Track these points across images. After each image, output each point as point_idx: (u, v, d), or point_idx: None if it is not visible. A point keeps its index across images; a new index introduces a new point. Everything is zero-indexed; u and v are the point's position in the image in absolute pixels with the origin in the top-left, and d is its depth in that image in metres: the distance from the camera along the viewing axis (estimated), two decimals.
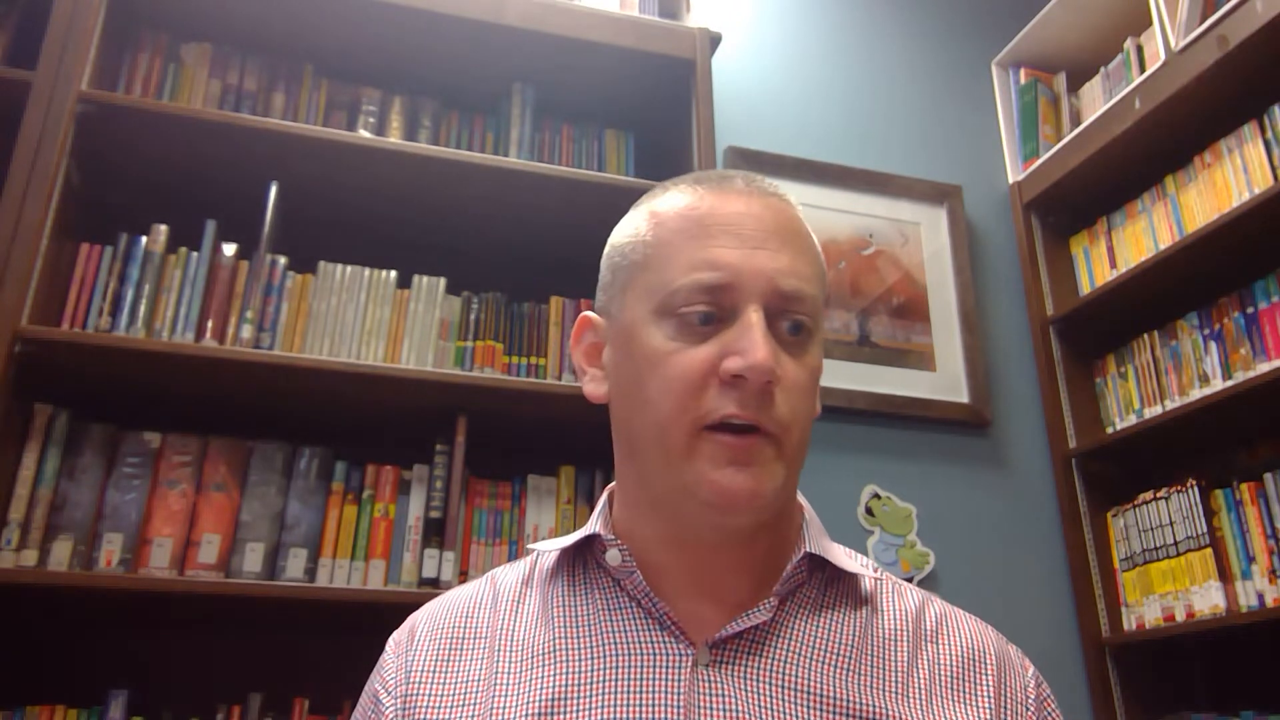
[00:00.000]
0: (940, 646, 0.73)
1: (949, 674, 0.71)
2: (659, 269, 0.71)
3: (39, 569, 1.43)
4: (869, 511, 2.12)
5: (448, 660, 0.73)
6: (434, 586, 1.54)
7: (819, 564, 0.75)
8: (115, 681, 1.48)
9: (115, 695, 1.45)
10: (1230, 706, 1.98)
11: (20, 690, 1.46)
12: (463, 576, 1.59)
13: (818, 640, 0.70)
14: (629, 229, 0.77)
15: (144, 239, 1.63)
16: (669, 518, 0.71)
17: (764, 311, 0.68)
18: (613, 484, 0.79)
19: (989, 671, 0.72)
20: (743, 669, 0.68)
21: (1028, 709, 0.72)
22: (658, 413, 0.68)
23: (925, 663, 0.72)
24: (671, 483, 0.69)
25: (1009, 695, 0.72)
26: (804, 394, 0.70)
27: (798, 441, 0.70)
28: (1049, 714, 0.73)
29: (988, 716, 0.69)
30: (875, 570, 0.78)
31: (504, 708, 0.68)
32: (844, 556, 0.77)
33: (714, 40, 2.00)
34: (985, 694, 0.71)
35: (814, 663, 0.69)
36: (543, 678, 0.68)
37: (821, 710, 0.66)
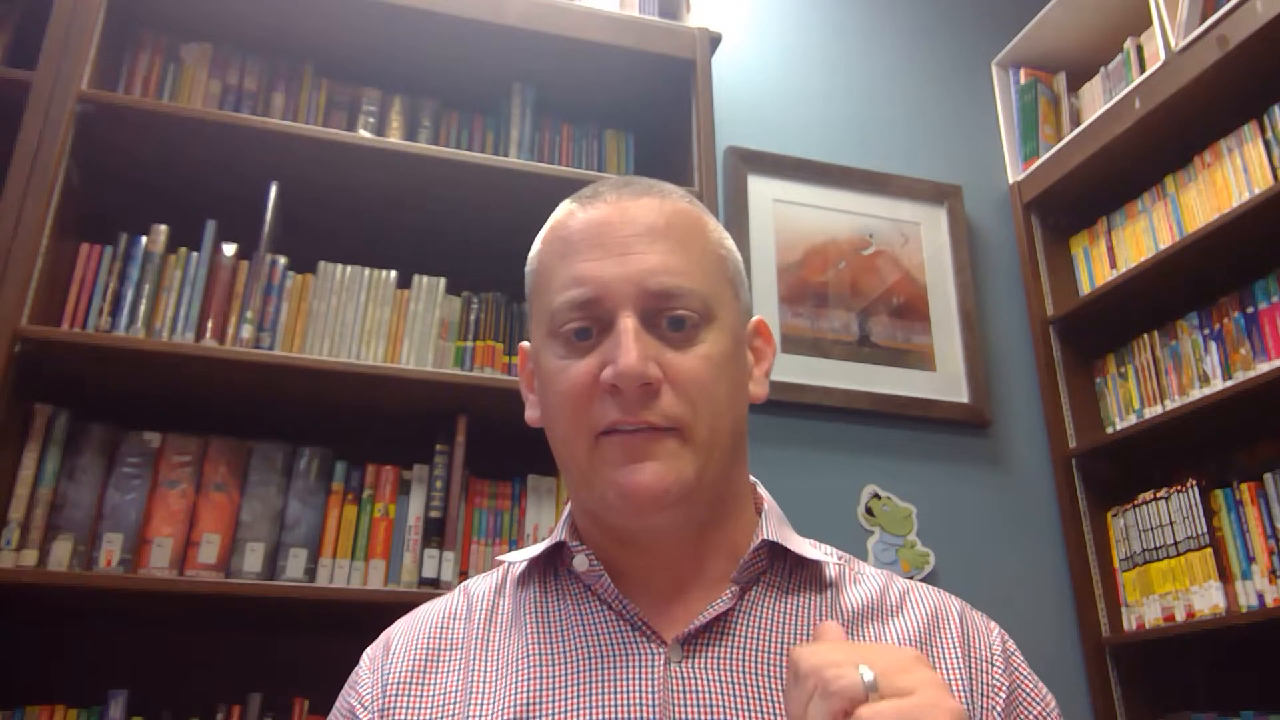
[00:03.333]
0: (905, 618, 0.74)
1: (915, 642, 0.73)
2: (543, 293, 0.74)
3: (39, 569, 1.43)
4: (869, 511, 2.12)
5: (424, 672, 0.73)
6: (434, 586, 1.55)
7: (780, 553, 0.76)
8: (115, 681, 1.48)
9: (115, 695, 1.45)
10: (1230, 706, 1.98)
11: (20, 690, 1.46)
12: (462, 576, 1.59)
13: (784, 624, 0.72)
14: (529, 256, 0.80)
15: (144, 239, 1.63)
16: (609, 522, 0.73)
17: (639, 315, 0.69)
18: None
19: (953, 632, 0.74)
20: (715, 660, 0.69)
21: (994, 664, 0.73)
22: (560, 429, 0.71)
23: (892, 637, 0.73)
24: (590, 493, 0.71)
25: (974, 654, 0.73)
26: (705, 384, 0.69)
27: (709, 433, 0.69)
28: (1016, 668, 0.74)
29: (958, 678, 0.71)
30: (839, 557, 0.80)
31: (480, 717, 0.68)
32: (806, 546, 0.78)
33: (714, 40, 2.00)
34: (952, 654, 0.72)
35: (783, 646, 0.70)
36: (518, 684, 0.69)
37: None
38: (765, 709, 0.66)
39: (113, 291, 1.59)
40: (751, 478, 0.81)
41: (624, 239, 0.71)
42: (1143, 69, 2.25)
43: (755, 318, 0.80)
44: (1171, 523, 2.02)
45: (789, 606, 0.73)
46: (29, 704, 1.43)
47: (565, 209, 0.78)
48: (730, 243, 0.79)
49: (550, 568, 0.78)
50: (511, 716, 0.67)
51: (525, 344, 0.81)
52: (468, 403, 1.66)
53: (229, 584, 1.50)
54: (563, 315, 0.70)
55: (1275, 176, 1.91)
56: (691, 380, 0.69)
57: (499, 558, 0.83)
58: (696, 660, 0.69)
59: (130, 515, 1.51)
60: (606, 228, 0.72)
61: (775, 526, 0.76)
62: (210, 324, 1.61)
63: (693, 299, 0.70)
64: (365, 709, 0.73)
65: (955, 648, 0.73)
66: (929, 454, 2.22)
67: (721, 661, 0.69)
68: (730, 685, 0.67)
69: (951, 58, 2.65)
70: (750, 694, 0.67)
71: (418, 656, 0.74)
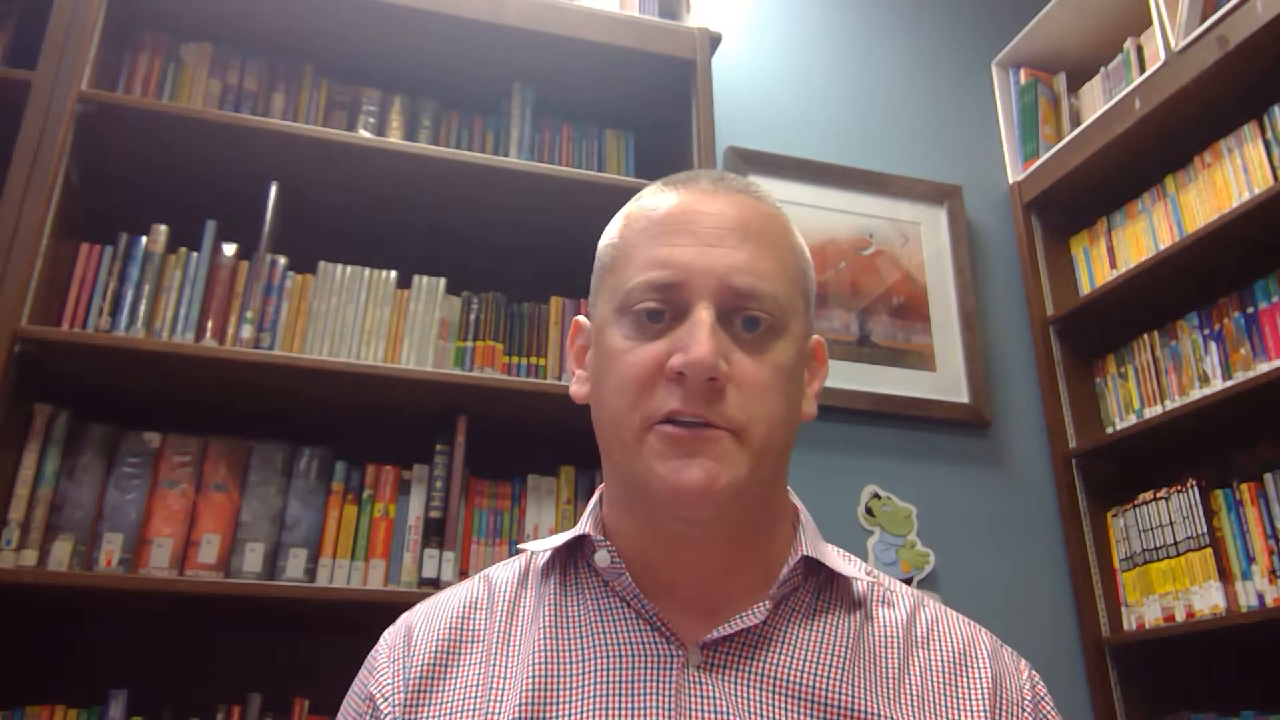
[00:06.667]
0: (933, 650, 0.73)
1: (942, 677, 0.71)
2: (621, 270, 0.72)
3: (39, 569, 1.43)
4: (869, 511, 2.12)
5: (445, 665, 0.72)
6: (434, 586, 1.54)
7: (814, 567, 0.75)
8: (115, 681, 1.48)
9: (115, 695, 1.45)
10: (1230, 706, 1.98)
11: (20, 690, 1.46)
12: (463, 576, 1.59)
13: (810, 645, 0.70)
14: (608, 233, 0.78)
15: (144, 239, 1.63)
16: (645, 516, 0.71)
17: (717, 309, 0.68)
18: (603, 483, 0.79)
19: (983, 673, 0.72)
20: (734, 672, 0.67)
21: (1024, 710, 0.71)
22: (614, 409, 0.69)
23: (918, 666, 0.71)
24: (632, 479, 0.69)
25: (1004, 697, 0.71)
26: (767, 392, 0.68)
27: (765, 439, 0.68)
28: (1045, 715, 0.73)
29: (981, 718, 0.69)
30: (869, 573, 0.78)
31: (497, 712, 0.67)
32: (839, 559, 0.76)
33: (714, 40, 1.99)
34: (980, 696, 0.70)
35: (806, 666, 0.68)
36: (531, 678, 0.68)
37: (813, 714, 0.66)
38: None
39: (113, 291, 1.59)
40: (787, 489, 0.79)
41: (715, 230, 0.70)
42: (1143, 69, 2.25)
43: (814, 337, 0.78)
44: (1171, 523, 2.02)
45: (817, 626, 0.71)
46: (29, 704, 1.43)
47: (655, 190, 0.76)
48: (809, 258, 0.77)
49: (571, 560, 0.77)
50: (526, 714, 0.66)
51: (580, 318, 0.80)
52: (468, 403, 1.66)
53: (229, 584, 1.50)
54: (639, 293, 0.69)
55: (1275, 176, 1.91)
56: (757, 385, 0.67)
57: (520, 546, 0.82)
58: (715, 669, 0.67)
59: (130, 515, 1.51)
60: (699, 215, 0.71)
61: (813, 541, 0.75)
62: (210, 324, 1.61)
63: (771, 304, 0.69)
64: (386, 700, 0.71)
65: (983, 687, 0.71)
66: (929, 454, 2.22)
67: (741, 675, 0.67)
68: (748, 700, 0.66)
69: (951, 58, 2.65)
70: (766, 711, 0.66)
71: (439, 647, 0.73)
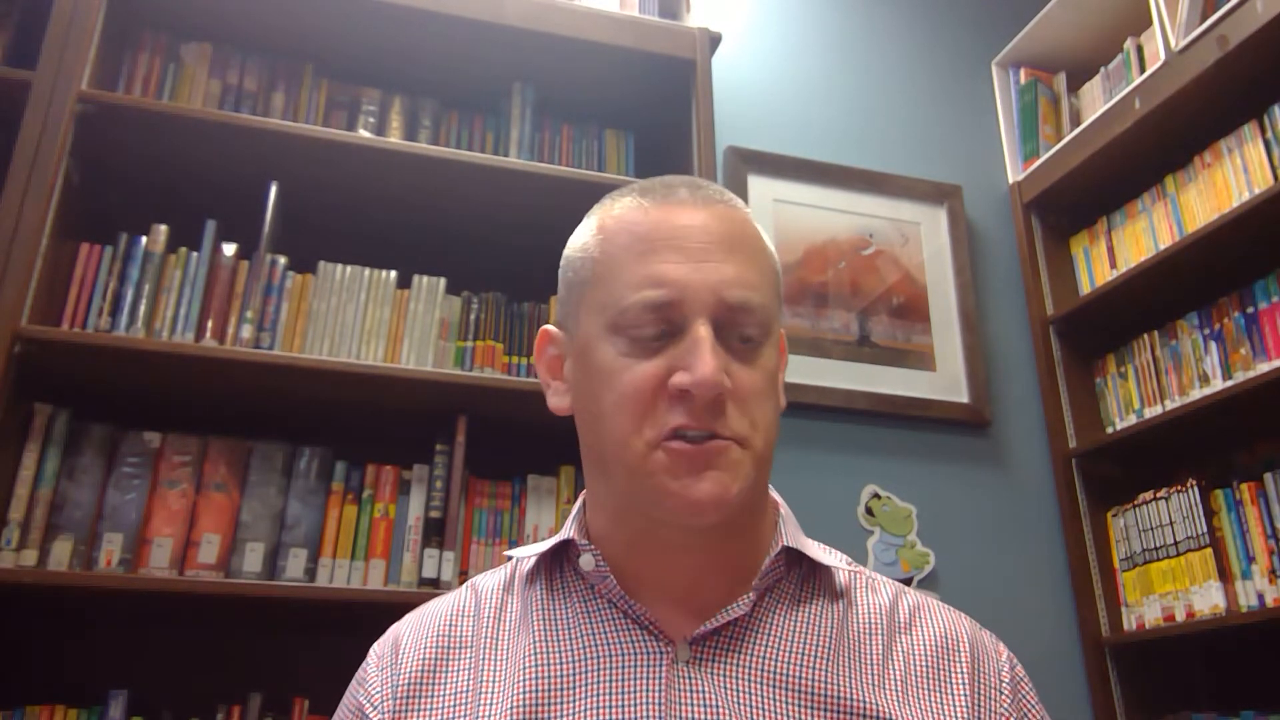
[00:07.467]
0: (914, 637, 0.74)
1: (923, 664, 0.72)
2: (608, 286, 0.72)
3: (39, 569, 1.43)
4: (869, 511, 2.12)
5: (434, 672, 0.73)
6: (434, 586, 1.55)
7: (795, 559, 0.76)
8: (115, 681, 1.48)
9: (115, 695, 1.45)
10: (1230, 706, 1.98)
11: (20, 690, 1.46)
12: (462, 576, 1.59)
13: (796, 634, 0.71)
14: (579, 243, 0.78)
15: (144, 239, 1.63)
16: (638, 524, 0.72)
17: (712, 324, 0.68)
18: (585, 490, 0.80)
19: (963, 659, 0.73)
20: (722, 665, 0.68)
21: (1002, 693, 0.73)
22: (615, 427, 0.69)
23: (900, 654, 0.73)
24: (636, 495, 0.70)
25: (983, 681, 0.73)
26: (761, 399, 0.70)
27: (765, 445, 0.70)
28: (1023, 696, 0.74)
29: (963, 704, 0.70)
30: (849, 564, 0.80)
31: (487, 716, 0.68)
32: (819, 551, 0.78)
33: (714, 40, 1.99)
34: (960, 681, 0.72)
35: (793, 655, 0.70)
36: (522, 682, 0.69)
37: (801, 703, 0.67)
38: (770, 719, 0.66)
39: (113, 291, 1.59)
40: None
41: (706, 245, 0.71)
42: (1143, 69, 2.25)
43: None
44: (1171, 523, 2.02)
45: (801, 616, 0.73)
46: (29, 704, 1.43)
47: (633, 201, 0.75)
48: (777, 256, 0.79)
49: (557, 565, 0.78)
50: (519, 715, 0.67)
51: (549, 328, 0.79)
52: (468, 403, 1.66)
53: (229, 584, 1.50)
54: (635, 314, 0.69)
55: (1275, 176, 1.91)
56: (753, 394, 0.69)
57: (506, 552, 0.82)
58: (704, 664, 0.68)
59: (130, 515, 1.51)
60: (689, 230, 0.71)
61: (793, 533, 0.76)
62: (210, 324, 1.61)
63: (762, 314, 0.71)
64: (375, 708, 0.72)
65: (964, 671, 0.73)
66: (929, 454, 2.22)
67: (729, 667, 0.68)
68: (737, 692, 0.67)
69: (951, 58, 2.65)
70: (756, 701, 0.67)
71: (427, 655, 0.74)
